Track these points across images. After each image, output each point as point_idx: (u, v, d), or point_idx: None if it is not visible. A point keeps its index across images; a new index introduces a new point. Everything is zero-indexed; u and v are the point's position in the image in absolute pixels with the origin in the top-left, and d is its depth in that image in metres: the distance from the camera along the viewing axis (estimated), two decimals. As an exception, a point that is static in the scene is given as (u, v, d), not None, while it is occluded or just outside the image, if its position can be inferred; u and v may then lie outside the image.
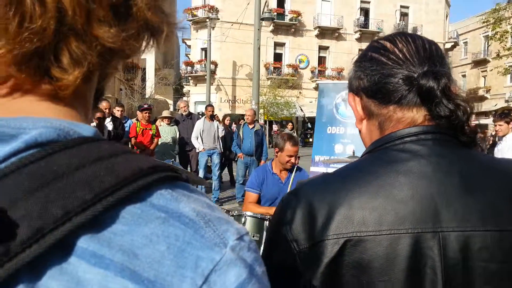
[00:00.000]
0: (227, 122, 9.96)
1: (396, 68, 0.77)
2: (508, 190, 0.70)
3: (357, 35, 31.39)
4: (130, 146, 6.94)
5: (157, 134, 7.20)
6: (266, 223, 2.71)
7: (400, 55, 0.78)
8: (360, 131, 0.87)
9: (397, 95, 0.76)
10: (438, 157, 0.72)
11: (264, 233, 2.68)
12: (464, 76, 43.53)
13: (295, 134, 10.03)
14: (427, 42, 0.80)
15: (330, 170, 5.01)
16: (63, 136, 0.34)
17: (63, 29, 0.34)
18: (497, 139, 5.43)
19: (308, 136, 26.70)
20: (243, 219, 2.71)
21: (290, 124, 9.26)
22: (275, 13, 27.40)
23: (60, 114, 0.37)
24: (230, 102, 29.25)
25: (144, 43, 0.40)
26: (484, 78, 40.28)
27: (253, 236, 2.69)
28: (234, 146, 7.68)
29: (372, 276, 0.67)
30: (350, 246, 0.67)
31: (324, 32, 30.72)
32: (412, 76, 0.75)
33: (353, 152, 3.12)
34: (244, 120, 7.81)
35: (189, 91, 30.81)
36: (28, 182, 0.30)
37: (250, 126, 7.62)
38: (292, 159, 3.48)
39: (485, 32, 29.75)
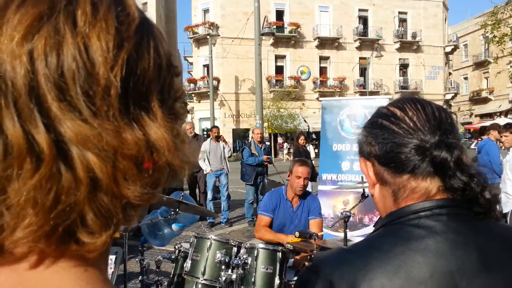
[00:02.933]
0: (301, 141, 8.89)
1: (408, 138, 0.77)
2: None
3: (357, 44, 31.52)
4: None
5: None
6: (279, 254, 2.69)
7: (411, 124, 0.78)
8: (372, 196, 0.88)
9: (410, 165, 0.77)
10: (454, 234, 0.72)
11: (278, 264, 2.66)
12: (466, 78, 43.45)
13: (311, 148, 9.87)
14: (437, 109, 0.81)
15: (339, 188, 4.95)
16: None
17: (96, 194, 0.34)
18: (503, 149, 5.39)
19: (314, 147, 26.63)
20: (255, 252, 2.69)
21: (302, 137, 9.04)
22: (275, 26, 27.64)
23: (84, 280, 0.36)
24: (234, 117, 29.33)
25: (167, 184, 0.40)
26: (487, 79, 40.16)
27: (267, 269, 2.67)
28: (251, 160, 7.54)
29: None
30: None
31: (324, 43, 30.89)
32: (424, 146, 0.76)
33: (362, 178, 3.10)
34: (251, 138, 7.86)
35: (193, 108, 30.98)
36: None
37: (260, 146, 7.67)
38: (301, 181, 3.44)
39: (484, 34, 29.74)
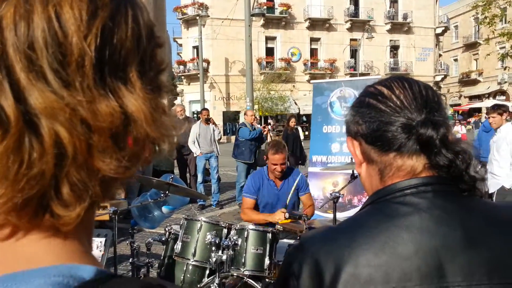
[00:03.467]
0: (292, 124, 8.95)
1: (395, 116, 0.77)
2: (511, 241, 0.71)
3: (348, 25, 31.34)
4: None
5: (154, 140, 7.17)
6: (269, 235, 2.70)
7: (398, 102, 0.78)
8: (359, 175, 0.88)
9: (397, 143, 0.77)
10: (439, 210, 0.72)
11: (268, 245, 2.68)
12: (456, 60, 43.63)
13: (300, 130, 9.96)
14: (424, 88, 0.80)
15: (327, 169, 5.00)
16: None
17: (63, 166, 0.33)
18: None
19: (304, 130, 26.69)
20: (245, 233, 2.71)
21: (293, 119, 9.09)
22: (265, 7, 27.29)
23: (61, 252, 0.36)
24: (225, 99, 29.19)
25: (148, 159, 0.39)
26: (476, 61, 40.37)
27: (257, 250, 2.69)
28: (252, 134, 7.57)
29: None
30: None
31: (315, 24, 30.64)
32: (410, 124, 0.76)
33: (351, 159, 3.12)
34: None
35: (183, 90, 30.71)
36: None
37: (252, 127, 7.67)
38: (278, 167, 3.46)
39: (475, 15, 29.75)
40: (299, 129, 10.18)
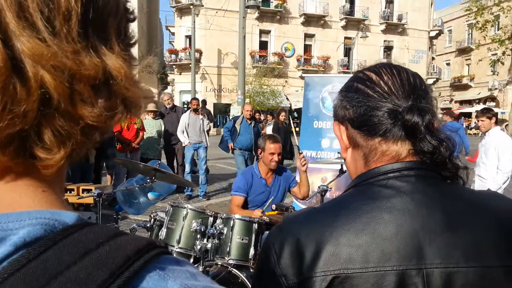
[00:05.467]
0: (282, 118, 9.24)
1: (382, 101, 0.78)
2: (490, 226, 0.72)
3: (343, 23, 31.38)
4: (115, 140, 6.86)
5: (142, 128, 7.13)
6: (255, 225, 2.71)
7: (386, 88, 0.79)
8: (345, 160, 0.89)
9: (382, 128, 0.77)
10: (421, 194, 0.73)
11: (253, 235, 2.69)
12: (448, 64, 44.03)
13: (292, 124, 10.04)
14: (412, 75, 0.81)
15: (317, 165, 5.02)
16: (49, 231, 0.34)
17: (47, 110, 0.35)
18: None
19: (294, 126, 26.73)
20: (231, 222, 2.71)
21: (283, 113, 9.21)
22: (260, 0, 27.16)
23: (43, 198, 0.38)
24: (216, 91, 29.07)
25: (125, 115, 0.42)
26: (468, 66, 40.80)
27: (242, 239, 2.69)
28: (227, 136, 7.66)
29: None
30: (338, 283, 0.69)
31: (310, 20, 30.61)
32: (397, 110, 0.76)
33: (340, 153, 3.16)
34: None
35: (174, 79, 30.50)
36: None
37: (249, 122, 7.64)
38: (275, 157, 3.50)
39: (469, 20, 30.01)
40: (291, 123, 10.21)
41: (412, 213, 0.72)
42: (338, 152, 3.17)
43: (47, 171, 0.37)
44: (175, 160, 8.19)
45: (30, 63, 0.33)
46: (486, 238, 0.71)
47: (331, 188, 3.47)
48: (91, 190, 3.22)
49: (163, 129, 7.80)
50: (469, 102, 38.62)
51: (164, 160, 7.91)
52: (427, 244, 0.70)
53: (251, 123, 7.68)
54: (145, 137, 7.29)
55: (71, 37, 0.35)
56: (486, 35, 17.70)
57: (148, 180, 2.83)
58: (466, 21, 35.64)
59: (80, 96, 0.36)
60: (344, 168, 3.90)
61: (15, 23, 0.33)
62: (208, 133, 7.87)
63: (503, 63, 18.15)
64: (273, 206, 3.20)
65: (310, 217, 0.76)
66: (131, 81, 0.40)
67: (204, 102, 13.93)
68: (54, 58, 0.34)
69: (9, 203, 0.36)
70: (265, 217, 3.07)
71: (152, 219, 3.04)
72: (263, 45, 30.19)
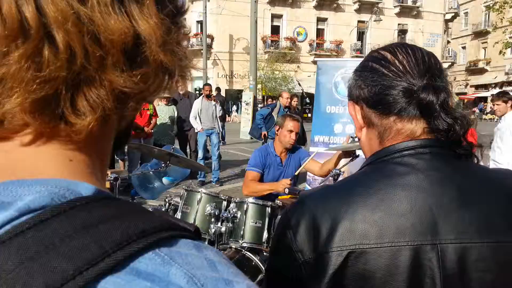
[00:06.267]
0: (294, 103, 9.03)
1: (397, 80, 0.78)
2: (504, 202, 0.73)
3: (356, 6, 30.82)
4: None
5: (155, 114, 7.17)
6: (268, 209, 2.74)
7: (401, 67, 0.79)
8: (359, 139, 0.89)
9: (397, 107, 0.78)
10: (435, 171, 0.74)
11: (267, 219, 2.72)
12: (464, 48, 43.08)
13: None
14: (426, 55, 0.81)
15: (330, 150, 5.02)
16: (57, 199, 0.34)
17: (76, 75, 0.35)
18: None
19: (307, 112, 26.63)
20: (245, 206, 2.75)
21: (295, 98, 9.11)
22: (272, -16, 26.81)
23: (67, 168, 0.37)
24: (228, 77, 29.00)
25: (163, 84, 0.41)
26: (485, 50, 39.86)
27: (256, 223, 2.73)
28: (261, 123, 7.63)
29: (375, 287, 0.70)
30: (353, 258, 0.71)
31: (322, 3, 30.14)
32: (412, 89, 0.77)
33: (353, 138, 3.13)
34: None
35: (186, 66, 30.38)
36: (15, 256, 0.30)
37: (285, 111, 7.52)
38: (293, 135, 3.49)
39: (486, 2, 29.20)
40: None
41: (427, 189, 0.72)
42: (352, 137, 3.15)
43: (78, 137, 0.37)
44: (188, 147, 8.25)
45: (57, 27, 0.33)
46: (499, 214, 0.72)
47: (343, 172, 3.46)
48: (107, 174, 3.28)
49: (176, 115, 7.84)
50: (485, 87, 37.85)
51: (177, 146, 7.98)
52: (442, 220, 0.71)
53: (286, 112, 7.55)
54: (158, 123, 7.34)
55: (102, 1, 0.34)
56: (503, 17, 17.20)
57: (163, 165, 2.87)
58: (484, 2, 34.71)
59: (110, 61, 0.35)
60: (358, 152, 3.88)
61: None
62: (224, 119, 7.86)
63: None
64: (286, 190, 3.21)
65: (326, 194, 0.78)
66: (166, 47, 0.38)
67: (218, 89, 13.91)
68: (81, 23, 0.34)
69: (31, 170, 0.36)
70: (278, 201, 3.09)
71: (167, 203, 3.09)
72: (275, 30, 29.90)
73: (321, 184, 4.46)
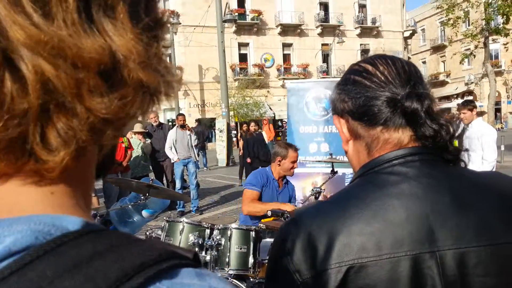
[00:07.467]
0: (252, 128, 9.62)
1: (380, 91, 0.79)
2: (497, 204, 0.74)
3: (319, 30, 31.83)
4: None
5: (130, 146, 7.05)
6: (253, 233, 2.70)
7: (383, 78, 0.80)
8: (346, 152, 0.89)
9: (383, 117, 0.79)
10: (427, 177, 0.74)
11: (251, 243, 2.68)
12: (424, 62, 44.92)
13: (264, 135, 10.21)
14: (406, 64, 0.83)
15: (308, 169, 5.03)
16: (42, 238, 0.30)
17: (50, 105, 0.31)
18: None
19: (280, 134, 26.85)
20: (229, 232, 2.70)
21: (252, 123, 9.48)
22: (236, 14, 27.39)
23: (47, 203, 0.34)
24: (200, 106, 29.03)
25: (145, 105, 0.37)
26: (444, 63, 41.70)
27: (240, 249, 2.68)
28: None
29: None
30: (353, 273, 0.69)
31: (287, 29, 30.97)
32: (396, 98, 0.78)
33: (331, 155, 3.19)
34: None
35: (157, 98, 30.24)
36: None
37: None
38: (295, 165, 3.61)
39: (441, 18, 30.78)
40: (263, 133, 10.40)
41: (420, 196, 0.72)
42: (331, 153, 3.18)
43: (50, 174, 0.33)
44: (164, 177, 8.12)
45: (26, 52, 0.29)
46: (494, 216, 0.73)
47: (324, 189, 3.49)
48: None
49: (149, 145, 7.73)
50: (448, 98, 39.36)
51: (152, 177, 7.83)
52: (438, 227, 0.71)
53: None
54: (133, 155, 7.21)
55: (70, 20, 0.30)
56: (458, 31, 18.13)
57: (142, 197, 2.80)
58: (439, 19, 36.54)
59: (86, 85, 0.31)
60: (336, 168, 3.92)
61: (3, 7, 0.28)
62: (204, 148, 7.86)
63: (474, 56, 18.59)
64: (269, 213, 3.18)
65: (320, 210, 0.76)
66: (146, 64, 0.34)
67: (199, 121, 13.91)
68: (51, 44, 0.30)
69: (9, 207, 0.32)
70: (262, 225, 3.06)
71: (148, 237, 3.00)
72: (243, 58, 30.37)
73: (304, 203, 4.46)
